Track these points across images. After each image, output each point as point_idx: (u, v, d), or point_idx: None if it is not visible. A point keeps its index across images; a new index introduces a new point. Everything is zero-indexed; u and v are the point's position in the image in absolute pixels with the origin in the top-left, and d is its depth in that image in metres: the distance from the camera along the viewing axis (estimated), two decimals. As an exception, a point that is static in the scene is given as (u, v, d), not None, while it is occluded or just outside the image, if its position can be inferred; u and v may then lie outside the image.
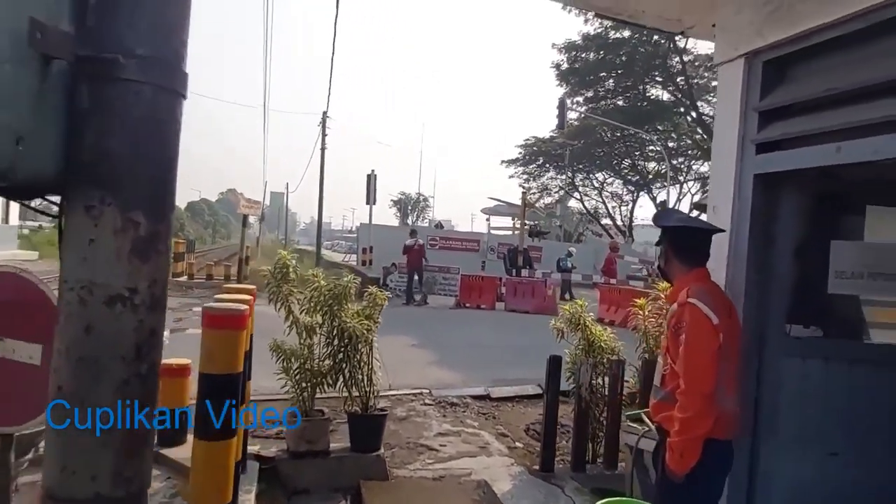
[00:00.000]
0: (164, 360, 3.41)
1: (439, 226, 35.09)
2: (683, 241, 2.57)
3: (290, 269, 4.37)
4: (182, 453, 3.65)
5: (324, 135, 25.90)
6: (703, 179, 35.14)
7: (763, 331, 2.95)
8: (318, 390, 4.40)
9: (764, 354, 2.96)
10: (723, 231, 2.64)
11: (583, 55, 31.79)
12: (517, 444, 5.44)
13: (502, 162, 39.38)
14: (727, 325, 2.43)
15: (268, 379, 4.55)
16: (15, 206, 27.17)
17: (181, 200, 70.91)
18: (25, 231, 35.89)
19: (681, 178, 35.16)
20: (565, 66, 32.10)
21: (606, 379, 5.01)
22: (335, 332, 4.39)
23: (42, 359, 1.87)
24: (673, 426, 2.37)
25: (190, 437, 2.85)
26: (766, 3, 2.74)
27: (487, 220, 38.02)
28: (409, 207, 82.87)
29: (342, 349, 4.41)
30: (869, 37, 2.30)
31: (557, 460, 4.83)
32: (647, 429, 3.93)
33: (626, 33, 30.31)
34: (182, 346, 4.98)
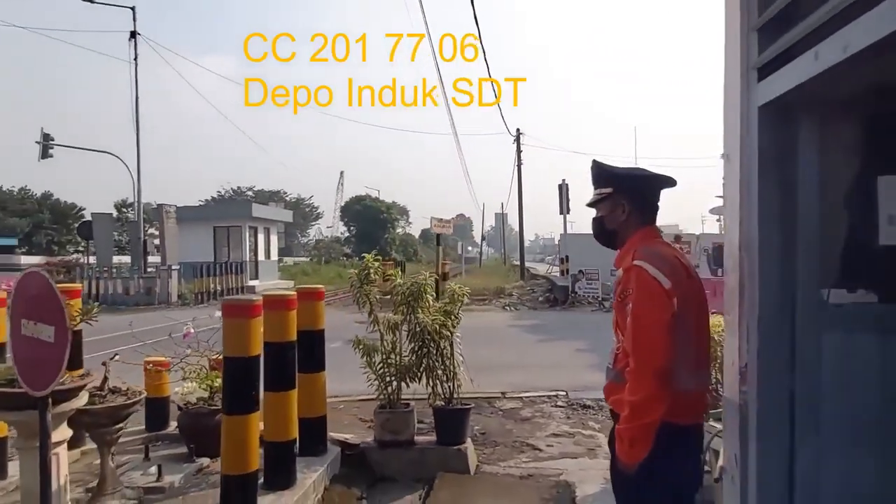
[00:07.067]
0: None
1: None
2: (647, 194, 2.25)
3: (373, 272, 4.69)
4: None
5: (518, 151, 26.44)
6: None
7: (791, 300, 2.41)
8: (404, 384, 4.62)
9: (795, 330, 2.41)
10: (674, 184, 2.26)
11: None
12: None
13: (722, 156, 35.80)
14: (685, 289, 2.07)
15: (354, 381, 4.88)
16: (275, 246, 32.99)
17: (416, 230, 79.15)
18: (287, 264, 43.87)
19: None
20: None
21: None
22: (416, 328, 4.59)
23: (54, 338, 2.40)
24: (623, 410, 2.02)
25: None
26: None
27: (718, 220, 34.66)
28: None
29: (424, 345, 4.58)
30: None
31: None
32: (720, 428, 3.35)
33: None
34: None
